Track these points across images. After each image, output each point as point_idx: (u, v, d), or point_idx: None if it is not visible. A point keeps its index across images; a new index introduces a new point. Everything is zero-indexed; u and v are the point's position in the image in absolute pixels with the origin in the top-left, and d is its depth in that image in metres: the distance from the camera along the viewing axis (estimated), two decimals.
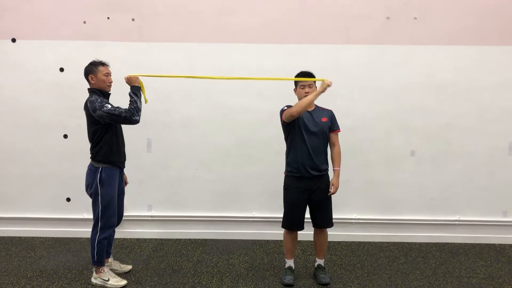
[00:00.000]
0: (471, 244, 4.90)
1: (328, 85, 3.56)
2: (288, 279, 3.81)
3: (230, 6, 4.79)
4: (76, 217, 4.92)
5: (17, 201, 4.95)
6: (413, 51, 4.84)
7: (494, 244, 4.90)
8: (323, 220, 3.83)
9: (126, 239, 4.91)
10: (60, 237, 4.88)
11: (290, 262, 3.93)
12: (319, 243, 3.93)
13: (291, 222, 3.82)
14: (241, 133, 4.92)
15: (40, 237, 4.88)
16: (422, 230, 4.98)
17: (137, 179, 4.89)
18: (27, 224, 4.94)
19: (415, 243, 4.89)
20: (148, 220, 5.00)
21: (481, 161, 4.94)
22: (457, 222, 4.98)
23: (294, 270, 3.94)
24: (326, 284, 3.80)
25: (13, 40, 4.81)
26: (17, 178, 4.94)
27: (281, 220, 3.88)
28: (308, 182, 3.74)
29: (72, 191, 4.87)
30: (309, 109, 3.77)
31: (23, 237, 4.89)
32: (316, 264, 3.98)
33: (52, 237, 4.89)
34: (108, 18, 4.78)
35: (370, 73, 4.87)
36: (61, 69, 4.81)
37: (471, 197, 4.97)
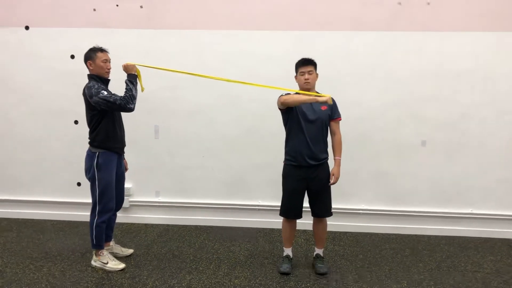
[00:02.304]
0: (483, 238, 4.73)
1: (326, 102, 3.40)
2: (285, 267, 3.78)
3: None
4: (86, 201, 5.01)
5: (31, 185, 5.11)
6: (426, 38, 4.67)
7: (508, 239, 4.72)
8: (321, 209, 3.78)
9: (134, 223, 5.00)
10: (70, 221, 5.02)
11: (288, 251, 3.91)
12: (318, 232, 3.88)
13: (289, 210, 3.78)
14: (248, 122, 4.90)
15: (51, 220, 5.03)
16: (432, 223, 4.85)
17: (145, 165, 4.99)
18: (40, 207, 5.11)
19: (423, 236, 4.77)
20: (155, 206, 5.07)
21: (497, 153, 4.74)
22: (469, 216, 4.82)
23: (292, 259, 3.91)
24: (323, 274, 3.76)
25: (27, 28, 4.93)
26: (31, 163, 5.09)
27: None
28: (306, 171, 3.68)
29: (83, 176, 4.86)
30: None
31: (36, 219, 5.05)
32: (314, 253, 3.94)
33: (63, 220, 5.03)
34: (117, 5, 4.83)
35: (380, 61, 4.74)
36: (72, 56, 4.90)
37: (486, 190, 4.79)
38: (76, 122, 4.98)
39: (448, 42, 4.65)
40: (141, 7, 4.82)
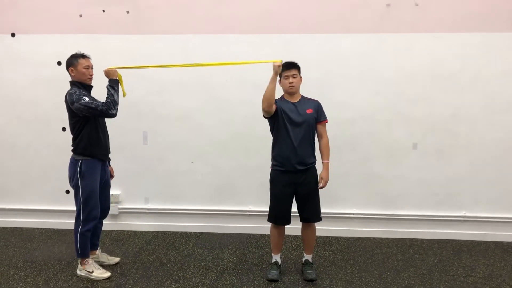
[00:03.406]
0: (476, 241, 4.67)
1: (278, 66, 3.48)
2: (273, 274, 3.72)
3: None
4: (74, 209, 4.95)
5: (19, 193, 5.06)
6: (415, 39, 4.62)
7: (501, 242, 4.66)
8: (310, 214, 3.72)
9: (123, 231, 4.94)
10: (59, 229, 4.95)
11: (276, 257, 3.85)
12: (307, 238, 3.83)
13: (277, 216, 3.73)
14: (238, 126, 4.84)
15: (40, 228, 4.97)
16: (425, 226, 4.79)
17: (134, 172, 4.94)
18: (28, 215, 5.05)
19: (416, 240, 4.71)
20: (145, 212, 5.01)
21: (489, 154, 4.69)
22: (462, 219, 4.76)
23: (280, 265, 3.85)
24: (311, 280, 3.70)
25: (13, 35, 4.88)
26: (19, 171, 5.04)
27: None
28: (293, 176, 3.63)
29: None
30: (294, 101, 3.67)
31: (24, 228, 4.99)
32: (303, 259, 3.88)
33: (51, 228, 4.97)
34: (104, 11, 4.78)
35: (370, 63, 4.69)
36: (59, 63, 4.85)
37: (478, 192, 4.74)
38: (63, 129, 4.92)
39: (436, 43, 4.60)
40: (128, 12, 4.78)
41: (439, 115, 4.68)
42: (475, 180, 4.72)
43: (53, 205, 5.04)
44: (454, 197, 4.76)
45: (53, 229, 4.97)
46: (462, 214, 4.75)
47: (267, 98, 3.48)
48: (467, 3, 4.52)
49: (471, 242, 4.64)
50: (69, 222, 4.92)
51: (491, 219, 4.72)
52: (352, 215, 4.84)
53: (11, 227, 5.01)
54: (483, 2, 4.51)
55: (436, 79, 4.65)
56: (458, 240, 4.69)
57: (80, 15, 4.81)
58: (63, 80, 4.75)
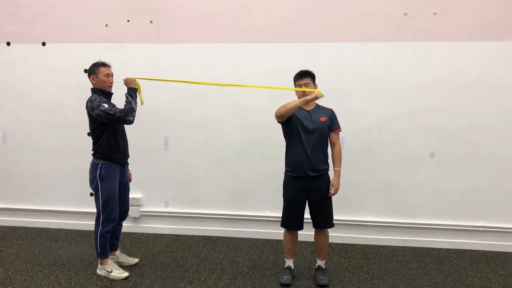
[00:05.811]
0: (495, 252, 4.61)
1: (317, 97, 3.51)
2: (285, 279, 3.79)
3: (244, 6, 4.81)
4: None
5: (46, 195, 5.29)
6: (433, 48, 4.62)
7: None
8: (322, 220, 3.77)
9: (144, 233, 5.09)
10: (83, 230, 5.15)
11: (289, 262, 3.92)
12: (319, 244, 3.88)
13: (289, 221, 3.80)
14: (255, 132, 4.94)
15: (65, 229, 5.18)
16: (442, 236, 4.76)
17: (155, 176, 5.10)
18: (55, 216, 5.28)
19: (433, 249, 4.68)
20: (165, 216, 5.15)
21: (508, 164, 4.63)
22: (481, 229, 4.70)
23: (293, 270, 3.91)
24: (323, 286, 3.74)
25: (43, 44, 5.13)
26: (47, 173, 5.27)
27: None
28: (306, 182, 3.70)
29: None
30: (308, 108, 3.73)
31: (51, 228, 5.22)
32: (316, 265, 3.93)
33: (76, 230, 5.17)
34: (128, 21, 4.98)
35: (387, 72, 4.71)
36: (85, 71, 5.06)
37: (498, 202, 4.68)
38: (89, 134, 5.09)
39: (455, 52, 4.59)
40: (151, 22, 4.96)
41: (457, 124, 4.66)
42: (494, 190, 4.67)
43: (78, 207, 5.24)
44: (472, 207, 4.72)
45: (78, 230, 5.17)
46: (480, 224, 4.70)
47: (288, 110, 3.58)
48: (486, 12, 4.50)
49: (489, 253, 4.59)
50: (92, 224, 5.09)
51: (510, 229, 4.65)
52: (368, 223, 4.86)
53: (38, 227, 5.24)
54: (501, 10, 4.47)
55: (454, 88, 4.63)
56: (476, 250, 4.64)
57: (106, 25, 5.01)
58: (89, 88, 4.99)
